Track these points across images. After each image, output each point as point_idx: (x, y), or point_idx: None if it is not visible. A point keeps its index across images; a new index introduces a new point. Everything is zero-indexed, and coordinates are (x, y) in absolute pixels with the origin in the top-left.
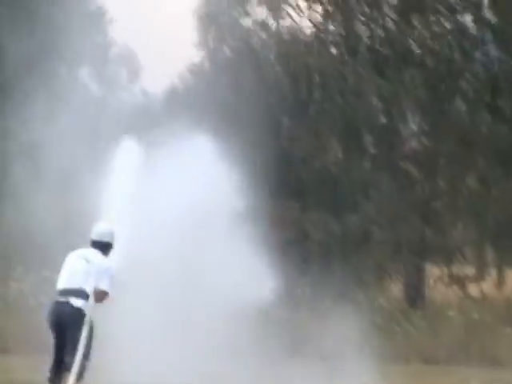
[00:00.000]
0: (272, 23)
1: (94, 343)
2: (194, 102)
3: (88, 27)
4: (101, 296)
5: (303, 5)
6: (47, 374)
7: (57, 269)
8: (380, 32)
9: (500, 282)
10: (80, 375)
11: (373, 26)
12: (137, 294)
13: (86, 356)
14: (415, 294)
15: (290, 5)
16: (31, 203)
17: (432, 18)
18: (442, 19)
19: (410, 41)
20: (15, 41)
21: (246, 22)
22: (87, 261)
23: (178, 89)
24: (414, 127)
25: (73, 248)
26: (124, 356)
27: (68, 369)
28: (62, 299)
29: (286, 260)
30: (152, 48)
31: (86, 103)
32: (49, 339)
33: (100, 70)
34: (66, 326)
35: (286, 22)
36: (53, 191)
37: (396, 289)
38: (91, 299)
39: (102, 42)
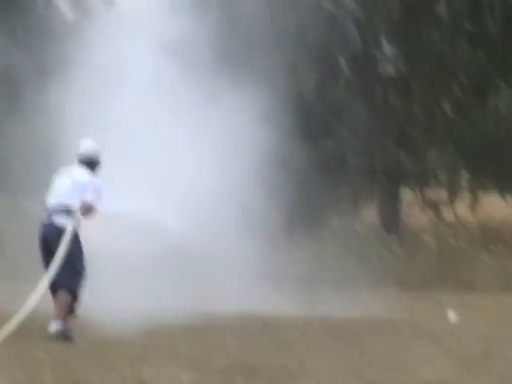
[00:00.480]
0: None
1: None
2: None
3: None
4: (86, 209)
5: None
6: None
7: (31, 196)
8: None
9: (474, 206)
10: (76, 297)
11: None
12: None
13: (80, 274)
14: (390, 220)
15: None
16: (7, 130)
17: None
18: None
19: None
20: None
21: None
22: (73, 179)
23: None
24: (389, 52)
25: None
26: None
27: (62, 286)
28: (48, 220)
29: (260, 186)
30: None
31: (62, 30)
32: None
33: None
34: (53, 247)
35: None
36: (28, 119)
37: (371, 214)
38: (77, 215)
39: None
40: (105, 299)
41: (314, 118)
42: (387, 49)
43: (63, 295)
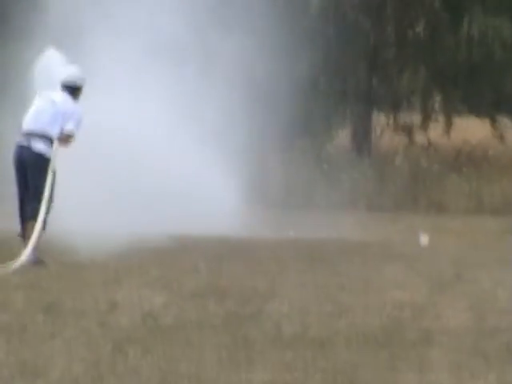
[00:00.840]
0: None
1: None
2: None
3: None
4: (66, 139)
5: None
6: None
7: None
8: None
9: (447, 130)
10: (42, 223)
11: None
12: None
13: (49, 204)
14: (362, 142)
15: None
16: None
17: None
18: None
19: None
20: None
21: None
22: (54, 103)
23: None
24: None
25: None
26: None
27: (32, 217)
28: (25, 143)
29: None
30: None
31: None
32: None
33: None
34: (28, 171)
35: None
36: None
37: (343, 137)
38: (55, 144)
39: None
40: (77, 223)
41: (285, 41)
42: None
43: (32, 224)
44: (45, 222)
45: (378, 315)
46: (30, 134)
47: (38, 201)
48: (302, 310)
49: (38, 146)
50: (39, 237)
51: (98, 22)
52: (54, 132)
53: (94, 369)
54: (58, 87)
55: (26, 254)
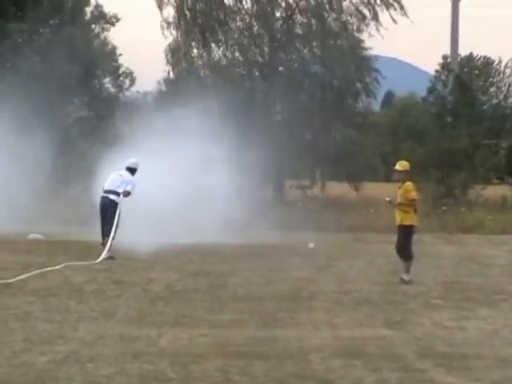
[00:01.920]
0: None
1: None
2: None
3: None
4: (126, 194)
5: None
6: (101, 240)
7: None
8: None
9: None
10: (112, 238)
11: None
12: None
13: (116, 228)
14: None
15: None
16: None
17: None
18: None
19: None
20: None
21: None
22: (120, 175)
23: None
24: None
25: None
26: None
27: (107, 234)
28: (105, 195)
29: None
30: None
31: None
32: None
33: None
34: (107, 210)
35: None
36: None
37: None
38: (121, 196)
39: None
40: (132, 236)
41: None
42: None
43: (107, 238)
44: (113, 237)
45: (286, 284)
46: (108, 191)
47: (111, 225)
48: (247, 282)
49: (112, 197)
50: (111, 245)
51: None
52: (120, 190)
53: (140, 312)
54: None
55: (103, 253)
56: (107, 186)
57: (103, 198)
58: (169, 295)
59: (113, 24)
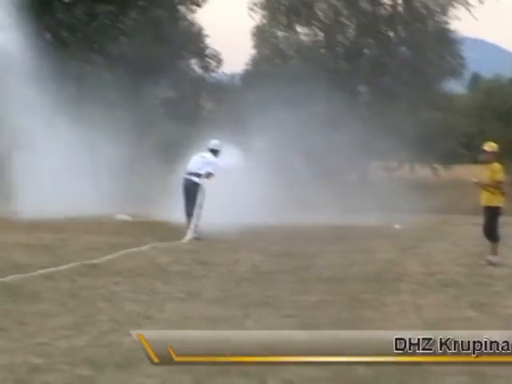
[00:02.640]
0: None
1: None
2: None
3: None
4: (208, 175)
5: None
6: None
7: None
8: None
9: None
10: (197, 219)
11: None
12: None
13: (200, 209)
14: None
15: None
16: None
17: None
18: None
19: None
20: None
21: None
22: (202, 157)
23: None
24: None
25: None
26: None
27: (191, 215)
28: (187, 177)
29: None
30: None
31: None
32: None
33: (200, 63)
34: (190, 192)
35: None
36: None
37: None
38: (203, 177)
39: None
40: (216, 218)
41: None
42: None
43: (191, 219)
44: (198, 218)
45: (371, 265)
46: (190, 173)
47: (194, 207)
48: (332, 263)
49: (194, 178)
50: (195, 226)
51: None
52: (203, 172)
53: (225, 293)
54: (206, 150)
55: (189, 234)
56: (189, 167)
57: (186, 179)
58: (254, 276)
59: (199, 5)
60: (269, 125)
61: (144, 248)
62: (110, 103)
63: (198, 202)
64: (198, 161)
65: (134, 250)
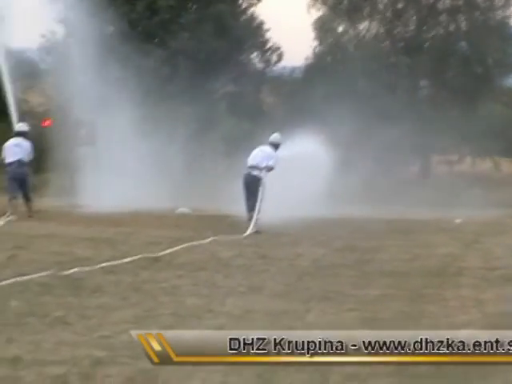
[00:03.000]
0: None
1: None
2: None
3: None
4: (268, 169)
5: None
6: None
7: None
8: None
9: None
10: (257, 212)
11: None
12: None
13: (260, 203)
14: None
15: None
16: None
17: None
18: None
19: None
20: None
21: None
22: (262, 151)
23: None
24: None
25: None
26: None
27: (252, 209)
28: (248, 170)
29: None
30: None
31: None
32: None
33: (261, 57)
34: (250, 186)
35: None
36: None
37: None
38: (264, 171)
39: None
40: (277, 211)
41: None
42: None
43: (252, 213)
44: (259, 211)
45: (432, 260)
46: (251, 167)
47: (255, 200)
48: (394, 257)
49: (255, 172)
50: (257, 219)
51: None
52: (263, 165)
53: (287, 287)
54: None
55: (250, 228)
56: (250, 161)
57: (246, 173)
58: (316, 270)
59: None
60: (329, 118)
61: (205, 242)
62: (170, 98)
63: (258, 195)
64: (258, 155)
65: (195, 243)
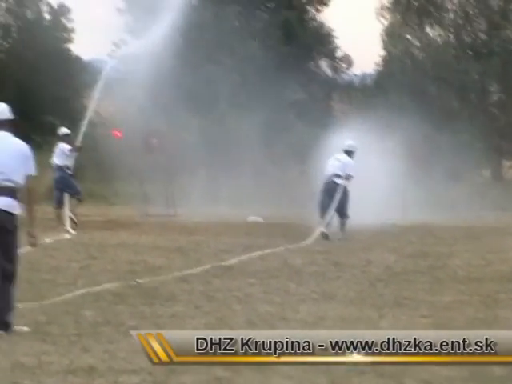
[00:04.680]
0: None
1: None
2: None
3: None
4: (348, 176)
5: None
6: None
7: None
8: None
9: None
10: (346, 217)
11: None
12: None
13: (344, 211)
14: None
15: None
16: None
17: None
18: None
19: None
20: None
21: None
22: (338, 159)
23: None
24: None
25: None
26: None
27: (327, 215)
28: (327, 180)
29: None
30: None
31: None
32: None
33: (330, 64)
34: (329, 191)
35: None
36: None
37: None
38: (343, 178)
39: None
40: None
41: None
42: None
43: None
44: (347, 217)
45: (506, 265)
46: (331, 175)
47: (335, 206)
48: (467, 263)
49: (335, 179)
50: (344, 224)
51: None
52: (341, 173)
53: (360, 293)
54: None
55: (317, 232)
56: (329, 170)
57: (325, 183)
58: (388, 277)
59: (326, 3)
60: (401, 124)
61: (277, 249)
62: (240, 105)
63: (334, 202)
64: (334, 164)
65: (267, 251)
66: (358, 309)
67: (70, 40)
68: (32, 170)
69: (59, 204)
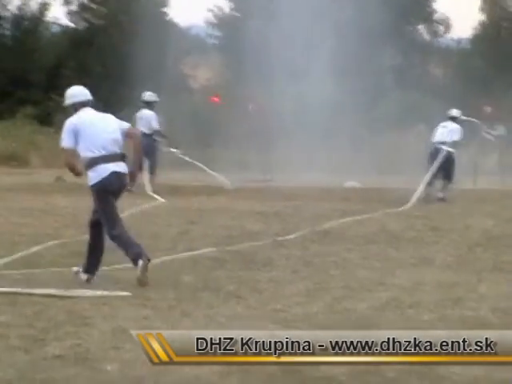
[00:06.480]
0: None
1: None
2: None
3: None
4: (456, 144)
5: None
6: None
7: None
8: None
9: None
10: (450, 181)
11: None
12: None
13: (450, 177)
14: None
15: None
16: None
17: None
18: None
19: None
20: None
21: None
22: (445, 127)
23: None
24: None
25: None
26: None
27: (446, 178)
28: (438, 146)
29: None
30: None
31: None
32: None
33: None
34: (438, 160)
35: None
36: None
37: None
38: (449, 145)
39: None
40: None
41: None
42: None
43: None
44: (452, 181)
45: None
46: (437, 142)
47: (446, 172)
48: None
49: (442, 147)
50: (450, 188)
51: None
52: (449, 140)
53: (458, 258)
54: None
55: (414, 198)
56: (436, 138)
57: (435, 149)
58: (486, 241)
59: None
60: (498, 89)
61: (375, 214)
62: (336, 71)
63: (434, 168)
64: (442, 132)
65: (365, 216)
66: (456, 274)
67: (165, 4)
68: (124, 124)
69: (152, 170)
